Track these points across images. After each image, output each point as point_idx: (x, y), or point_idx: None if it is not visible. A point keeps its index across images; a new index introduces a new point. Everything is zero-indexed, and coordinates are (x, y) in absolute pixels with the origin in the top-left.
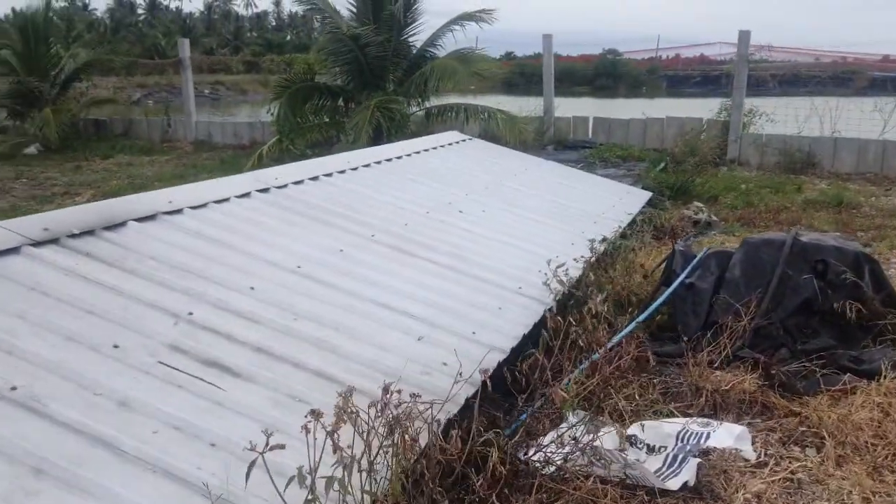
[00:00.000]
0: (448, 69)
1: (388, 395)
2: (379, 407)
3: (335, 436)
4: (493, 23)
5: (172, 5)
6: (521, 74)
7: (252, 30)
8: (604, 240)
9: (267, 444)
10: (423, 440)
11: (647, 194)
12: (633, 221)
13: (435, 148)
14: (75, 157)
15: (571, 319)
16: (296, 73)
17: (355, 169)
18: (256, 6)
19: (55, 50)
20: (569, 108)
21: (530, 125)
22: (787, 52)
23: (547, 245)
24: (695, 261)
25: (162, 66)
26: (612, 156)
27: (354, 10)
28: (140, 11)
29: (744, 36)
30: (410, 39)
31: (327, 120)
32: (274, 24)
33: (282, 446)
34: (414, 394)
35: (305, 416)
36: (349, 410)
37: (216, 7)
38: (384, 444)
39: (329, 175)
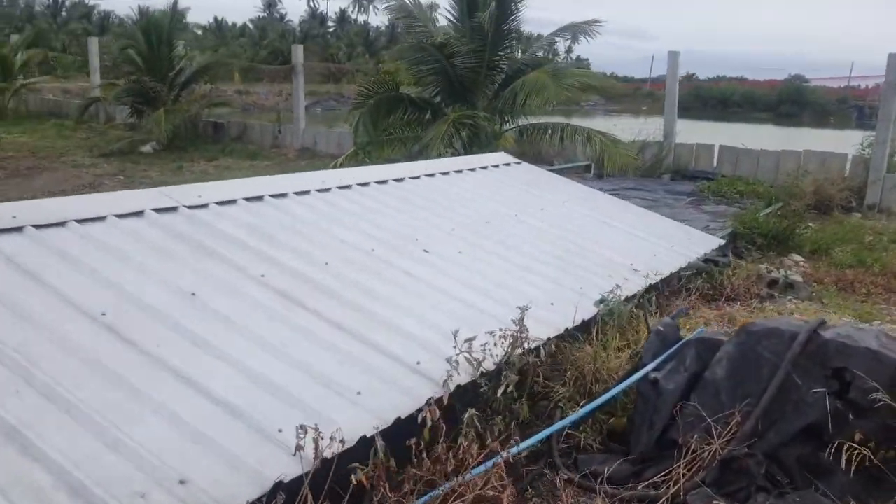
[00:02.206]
0: (538, 84)
1: None
2: None
3: None
4: (595, 36)
5: (361, 18)
6: (696, 97)
7: None
8: (601, 301)
9: None
10: None
11: (716, 242)
12: (678, 277)
13: (459, 171)
14: (184, 157)
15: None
16: (378, 83)
17: (326, 190)
18: (437, 21)
19: (183, 51)
20: (742, 134)
21: (648, 150)
22: None
23: (511, 305)
24: (673, 348)
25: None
26: (732, 190)
27: (455, 19)
28: (330, 24)
29: (894, 60)
30: (507, 51)
31: (409, 134)
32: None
33: None
34: None
35: None
36: None
37: (398, 21)
38: None
39: (281, 196)
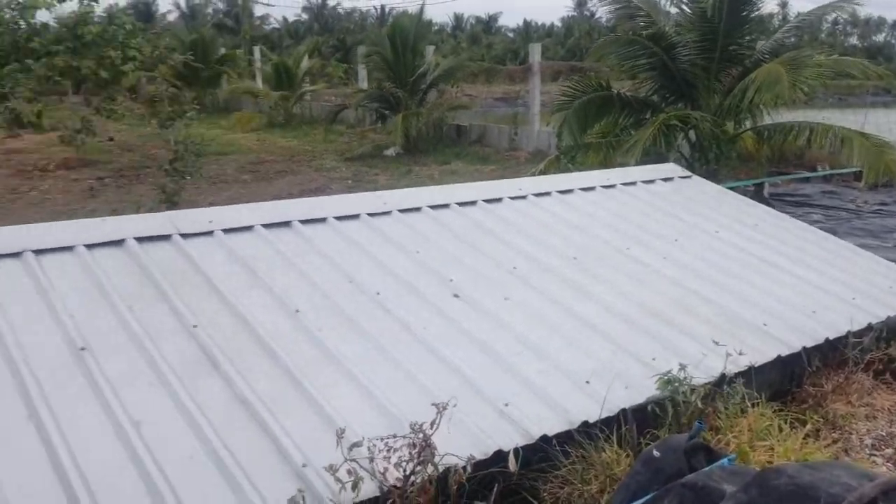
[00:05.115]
0: (770, 77)
1: None
2: None
3: None
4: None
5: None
6: None
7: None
8: (668, 382)
9: None
10: None
11: None
12: (851, 343)
13: (590, 188)
14: (419, 161)
15: None
16: (585, 82)
17: (328, 220)
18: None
19: (433, 57)
20: None
21: None
22: None
23: (532, 382)
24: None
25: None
26: None
27: (686, 5)
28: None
29: None
30: (745, 40)
31: (624, 137)
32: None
33: None
34: None
35: None
36: None
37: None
38: None
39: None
